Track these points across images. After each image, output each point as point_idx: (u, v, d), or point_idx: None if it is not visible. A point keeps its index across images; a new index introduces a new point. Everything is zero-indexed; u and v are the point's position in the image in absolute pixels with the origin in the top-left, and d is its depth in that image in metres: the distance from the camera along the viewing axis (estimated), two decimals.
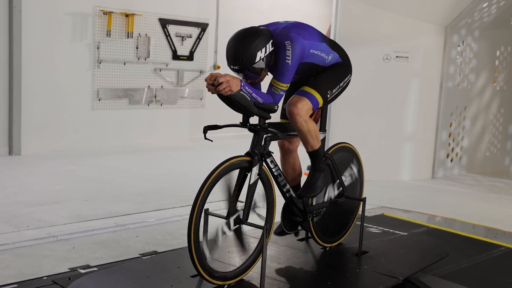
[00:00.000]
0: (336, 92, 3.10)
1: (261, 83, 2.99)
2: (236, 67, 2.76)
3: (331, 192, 3.39)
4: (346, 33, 6.01)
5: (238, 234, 2.90)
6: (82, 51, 7.06)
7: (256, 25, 2.96)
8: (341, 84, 3.11)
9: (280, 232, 3.22)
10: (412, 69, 6.22)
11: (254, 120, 2.90)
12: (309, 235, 3.48)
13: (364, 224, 3.55)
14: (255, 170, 2.83)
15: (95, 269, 3.18)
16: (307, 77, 3.08)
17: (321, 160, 3.10)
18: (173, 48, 7.94)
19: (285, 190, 3.09)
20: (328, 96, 3.05)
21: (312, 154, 3.07)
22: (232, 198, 2.83)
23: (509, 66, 7.30)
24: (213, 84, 2.67)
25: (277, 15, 8.46)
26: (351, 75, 3.19)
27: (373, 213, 4.78)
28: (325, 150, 3.36)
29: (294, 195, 3.14)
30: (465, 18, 6.29)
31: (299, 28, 2.90)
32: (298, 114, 2.91)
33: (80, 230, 3.93)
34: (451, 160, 6.82)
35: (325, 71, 3.08)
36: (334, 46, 3.12)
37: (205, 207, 2.76)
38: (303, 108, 2.92)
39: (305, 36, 2.88)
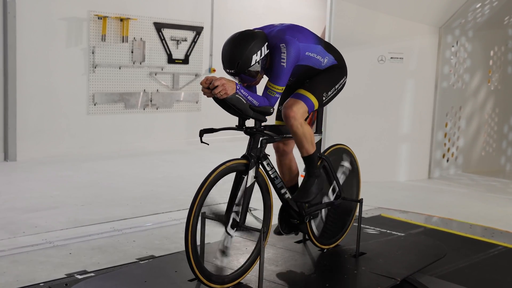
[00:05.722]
0: (332, 94, 3.11)
1: (257, 86, 2.99)
2: (232, 71, 2.77)
3: (328, 193, 3.39)
4: (341, 34, 6.03)
5: (236, 237, 2.89)
6: (77, 56, 7.05)
7: (251, 28, 2.97)
8: (336, 86, 3.12)
9: (278, 232, 3.22)
10: (406, 70, 6.24)
11: (250, 123, 2.90)
12: (307, 237, 3.47)
13: (361, 225, 3.55)
14: (251, 173, 2.83)
15: (92, 274, 3.17)
16: (302, 80, 3.09)
17: (316, 165, 3.10)
18: (168, 52, 7.94)
19: (282, 193, 3.09)
20: (324, 98, 3.06)
21: (307, 159, 3.07)
22: (230, 201, 2.83)
23: (503, 66, 7.34)
24: (209, 88, 2.67)
25: (271, 17, 8.46)
26: (346, 77, 3.20)
27: (370, 214, 4.78)
28: (322, 151, 3.37)
29: (291, 197, 3.14)
30: (458, 19, 6.32)
31: (294, 31, 2.90)
32: (294, 117, 2.91)
33: (76, 236, 3.91)
34: (447, 160, 6.84)
35: (320, 73, 3.09)
36: (329, 48, 3.12)
37: (202, 210, 2.76)
38: (299, 111, 2.92)
39: (300, 38, 2.89)
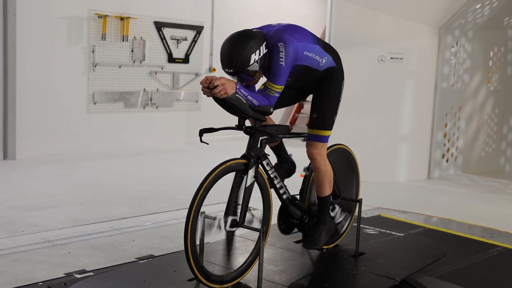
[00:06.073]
0: (338, 109, 3.17)
1: (256, 85, 3.00)
2: (231, 70, 2.76)
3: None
4: (341, 34, 6.02)
5: (235, 237, 2.89)
6: (77, 54, 7.05)
7: (251, 27, 2.97)
8: (340, 98, 3.17)
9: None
10: (406, 70, 6.24)
11: (249, 122, 2.90)
12: None
13: (361, 225, 3.55)
14: (251, 172, 2.83)
15: (91, 274, 3.17)
16: (301, 81, 3.08)
17: (328, 210, 3.19)
18: (168, 51, 7.94)
19: (281, 192, 3.09)
20: (334, 120, 3.14)
21: (322, 201, 3.18)
22: (228, 201, 2.83)
23: (503, 66, 7.34)
24: (209, 87, 2.67)
25: (272, 17, 8.47)
26: (343, 79, 3.20)
27: (370, 214, 4.78)
28: None
29: (290, 197, 3.14)
30: (458, 19, 6.32)
31: (292, 30, 2.90)
32: (319, 154, 3.08)
33: (76, 235, 3.91)
34: (447, 161, 6.84)
35: (322, 96, 3.09)
36: (328, 48, 3.12)
37: (202, 210, 2.76)
38: (321, 150, 3.09)
39: (298, 38, 2.89)
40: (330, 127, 3.11)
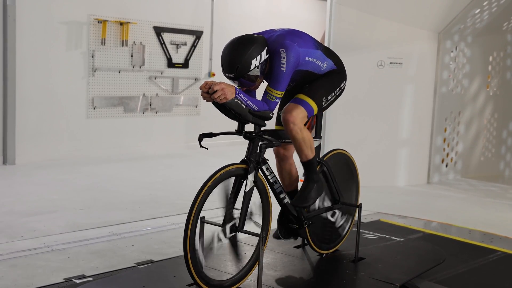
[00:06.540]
0: (331, 99, 3.12)
1: (256, 90, 3.00)
2: (231, 75, 2.77)
3: (327, 198, 3.39)
4: (340, 39, 6.04)
5: (234, 242, 2.89)
6: (77, 59, 7.06)
7: (251, 32, 2.98)
8: (335, 91, 3.13)
9: (277, 236, 3.21)
10: (406, 75, 6.25)
11: (249, 127, 2.90)
12: (306, 242, 3.47)
13: (361, 230, 3.55)
14: (250, 177, 2.83)
15: (91, 279, 3.16)
16: (302, 85, 3.09)
17: (315, 171, 3.09)
18: (168, 56, 7.95)
19: (281, 197, 3.09)
20: (323, 103, 3.07)
21: (306, 164, 3.06)
22: (228, 205, 2.83)
23: (502, 71, 7.35)
24: (208, 92, 2.67)
25: (271, 22, 8.49)
26: (345, 82, 3.21)
27: (369, 219, 4.78)
28: (321, 156, 3.37)
29: (290, 202, 3.14)
30: (458, 24, 6.34)
31: (294, 36, 2.91)
32: (293, 122, 2.91)
33: (75, 240, 3.91)
34: (446, 165, 6.84)
35: (320, 78, 3.10)
36: (329, 53, 3.13)
37: (201, 215, 2.76)
38: (298, 116, 2.92)
39: (300, 43, 2.90)
40: (316, 100, 2.99)
